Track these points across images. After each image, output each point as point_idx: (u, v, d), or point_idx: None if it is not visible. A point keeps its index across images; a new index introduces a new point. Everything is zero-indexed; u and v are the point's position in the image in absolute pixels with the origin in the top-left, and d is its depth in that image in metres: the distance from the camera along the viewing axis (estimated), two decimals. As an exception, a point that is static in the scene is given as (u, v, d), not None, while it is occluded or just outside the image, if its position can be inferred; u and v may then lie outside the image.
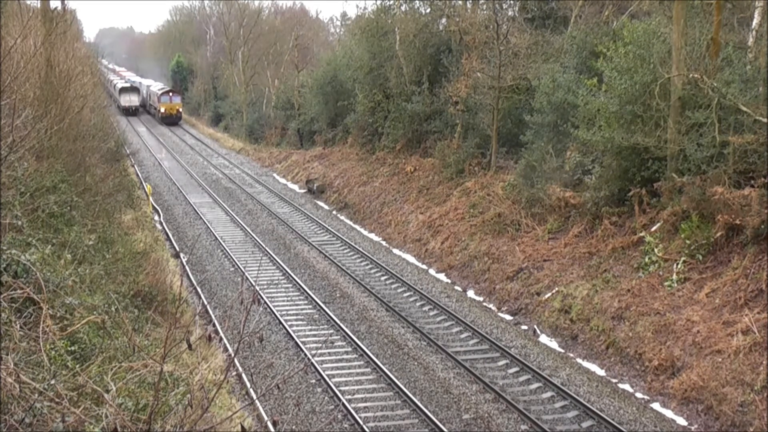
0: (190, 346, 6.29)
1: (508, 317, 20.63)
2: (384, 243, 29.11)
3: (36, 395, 6.42)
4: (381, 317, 20.39)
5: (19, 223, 12.58)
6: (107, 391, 6.71)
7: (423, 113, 33.79)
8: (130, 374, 7.94)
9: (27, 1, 26.93)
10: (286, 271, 24.18)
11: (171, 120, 71.82)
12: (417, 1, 37.63)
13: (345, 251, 27.27)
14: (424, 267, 25.68)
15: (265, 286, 22.26)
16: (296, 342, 18.18)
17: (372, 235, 30.34)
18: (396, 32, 35.79)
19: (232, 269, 24.88)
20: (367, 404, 15.07)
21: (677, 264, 18.04)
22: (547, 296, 20.24)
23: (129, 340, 10.10)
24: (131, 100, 76.85)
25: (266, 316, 20.02)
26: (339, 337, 18.77)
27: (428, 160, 33.00)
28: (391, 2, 38.40)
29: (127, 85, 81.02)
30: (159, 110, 72.17)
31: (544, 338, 19.00)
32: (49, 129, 18.96)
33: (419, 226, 28.42)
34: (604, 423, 14.15)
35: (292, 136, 53.45)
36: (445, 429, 13.91)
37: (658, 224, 19.36)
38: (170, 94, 73.31)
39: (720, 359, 14.96)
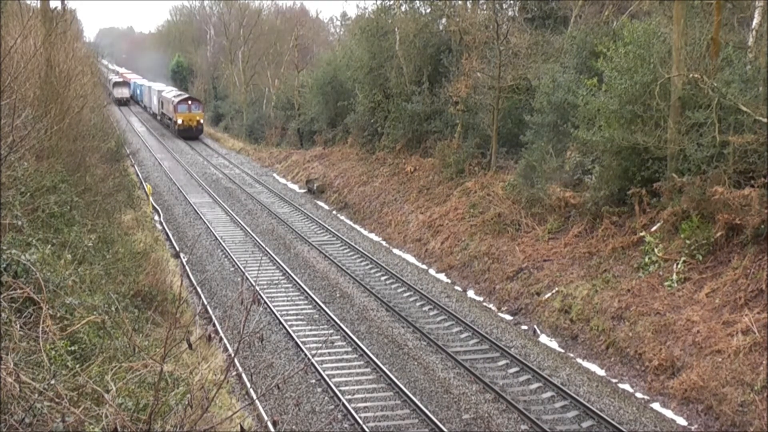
0: (190, 346, 6.29)
1: (508, 317, 20.63)
2: (384, 243, 29.11)
3: (36, 395, 6.42)
4: (381, 317, 20.39)
5: (19, 223, 12.57)
6: (107, 391, 6.71)
7: (423, 113, 33.78)
8: (130, 374, 7.94)
9: (27, 1, 26.94)
10: (286, 271, 24.18)
11: (190, 133, 61.06)
12: (417, 1, 37.64)
13: (345, 251, 27.28)
14: (424, 267, 25.68)
15: (265, 286, 22.26)
16: (296, 342, 18.19)
17: (372, 235, 30.34)
18: (396, 32, 35.79)
19: (232, 269, 24.88)
20: (367, 404, 15.07)
21: (677, 264, 18.04)
22: (547, 296, 20.24)
23: (129, 340, 10.09)
24: (123, 92, 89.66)
25: (266, 316, 20.02)
26: (339, 337, 18.77)
27: (428, 160, 33.00)
28: (391, 2, 38.40)
29: (120, 80, 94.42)
30: (176, 122, 61.29)
31: (544, 338, 19.00)
32: (49, 129, 18.94)
33: (419, 226, 28.43)
34: (604, 423, 14.16)
35: (292, 136, 53.45)
36: (445, 429, 13.91)
37: (658, 224, 19.36)
38: (189, 102, 61.89)
39: (720, 359, 14.96)
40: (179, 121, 60.66)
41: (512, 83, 27.84)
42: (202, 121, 62.33)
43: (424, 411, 14.46)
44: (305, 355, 17.32)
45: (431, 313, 20.61)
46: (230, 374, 14.62)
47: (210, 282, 23.39)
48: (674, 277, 17.86)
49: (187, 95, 65.15)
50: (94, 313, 10.82)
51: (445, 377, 16.49)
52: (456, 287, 23.36)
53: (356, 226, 32.00)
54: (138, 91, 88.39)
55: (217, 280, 23.66)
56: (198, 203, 35.56)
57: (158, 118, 71.46)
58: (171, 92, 68.04)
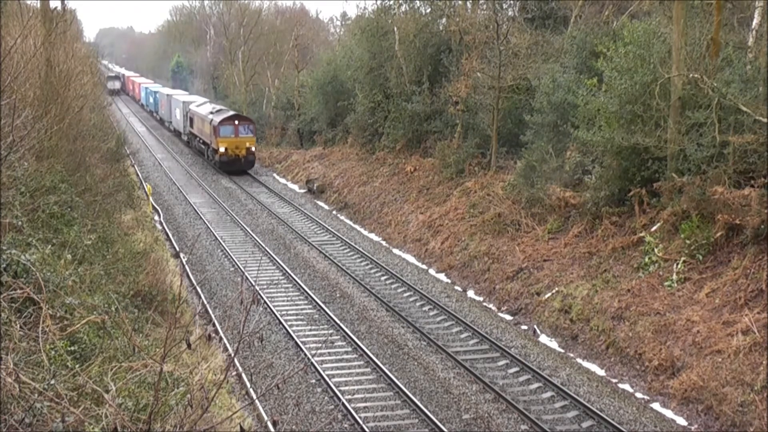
0: (189, 346, 6.29)
1: (508, 317, 20.63)
2: (384, 243, 29.11)
3: (36, 395, 6.42)
4: (381, 317, 20.39)
5: (19, 223, 12.58)
6: (107, 391, 6.71)
7: (423, 113, 33.79)
8: (130, 374, 7.93)
9: (27, 1, 26.97)
10: (286, 271, 24.17)
11: (237, 166, 43.01)
12: (417, 1, 37.66)
13: (345, 251, 27.27)
14: (424, 267, 25.67)
15: (265, 286, 22.26)
16: (296, 342, 18.19)
17: (372, 235, 30.33)
18: (396, 32, 35.80)
19: (232, 269, 24.88)
20: (367, 404, 15.07)
21: (677, 264, 18.04)
22: (547, 296, 20.24)
23: (129, 340, 10.09)
24: (114, 85, 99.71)
25: (266, 316, 20.02)
26: (339, 337, 18.77)
27: (428, 160, 33.00)
28: (391, 2, 38.41)
29: (113, 74, 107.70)
30: (215, 149, 43.02)
31: (544, 338, 19.00)
32: (49, 129, 18.95)
33: (419, 226, 28.42)
34: (604, 423, 14.16)
35: (292, 136, 53.42)
36: (445, 429, 13.91)
37: (658, 224, 19.36)
38: (236, 122, 42.70)
39: (720, 359, 14.96)
40: (221, 149, 42.52)
41: (512, 83, 27.85)
42: (253, 148, 43.69)
43: (424, 411, 14.46)
44: (305, 355, 17.32)
45: (431, 313, 20.61)
46: (230, 374, 14.62)
47: (210, 282, 23.39)
48: (674, 277, 17.86)
49: (231, 112, 45.13)
50: (94, 313, 10.82)
51: (445, 377, 16.49)
52: (456, 287, 23.36)
53: (356, 226, 31.99)
54: (151, 99, 74.16)
55: (217, 280, 23.66)
56: (198, 203, 35.56)
57: (184, 138, 55.05)
58: (204, 106, 48.97)
